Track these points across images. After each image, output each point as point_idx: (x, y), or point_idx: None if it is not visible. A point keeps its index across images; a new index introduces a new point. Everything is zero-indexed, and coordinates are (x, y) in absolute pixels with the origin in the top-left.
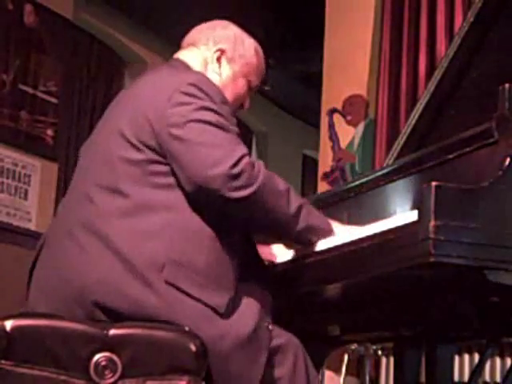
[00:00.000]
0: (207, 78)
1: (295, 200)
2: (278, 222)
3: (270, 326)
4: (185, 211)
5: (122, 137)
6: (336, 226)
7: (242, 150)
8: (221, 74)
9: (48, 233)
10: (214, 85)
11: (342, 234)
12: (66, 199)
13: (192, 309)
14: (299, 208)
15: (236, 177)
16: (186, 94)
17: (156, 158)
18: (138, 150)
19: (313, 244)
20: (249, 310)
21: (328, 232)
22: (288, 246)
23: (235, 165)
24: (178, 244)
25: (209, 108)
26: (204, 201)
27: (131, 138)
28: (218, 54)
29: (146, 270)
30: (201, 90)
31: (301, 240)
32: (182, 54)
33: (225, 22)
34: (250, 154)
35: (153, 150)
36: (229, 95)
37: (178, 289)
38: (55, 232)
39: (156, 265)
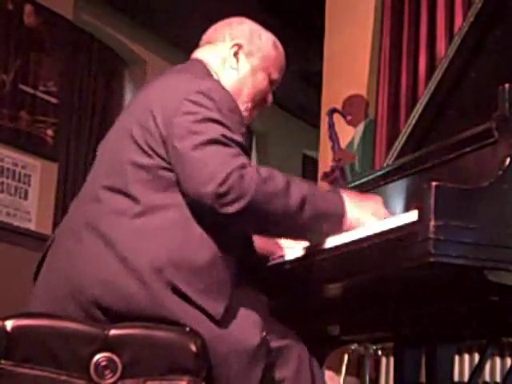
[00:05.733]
0: (219, 85)
1: (297, 194)
2: (282, 223)
3: (267, 336)
4: (188, 215)
5: (132, 140)
6: (351, 206)
7: (234, 163)
8: (238, 70)
9: (56, 232)
10: (225, 92)
11: (356, 218)
12: (76, 199)
13: (188, 312)
14: (302, 201)
15: (224, 194)
16: (193, 102)
17: (164, 164)
18: (148, 155)
19: (328, 233)
20: (246, 320)
21: (339, 216)
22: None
23: (223, 182)
24: (179, 245)
25: (213, 119)
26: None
27: (141, 142)
28: (235, 49)
29: (145, 270)
30: (209, 97)
31: (312, 232)
32: (200, 53)
33: (240, 18)
34: (248, 163)
35: (161, 156)
36: (249, 90)
37: (176, 291)
38: (62, 231)
39: (156, 266)
